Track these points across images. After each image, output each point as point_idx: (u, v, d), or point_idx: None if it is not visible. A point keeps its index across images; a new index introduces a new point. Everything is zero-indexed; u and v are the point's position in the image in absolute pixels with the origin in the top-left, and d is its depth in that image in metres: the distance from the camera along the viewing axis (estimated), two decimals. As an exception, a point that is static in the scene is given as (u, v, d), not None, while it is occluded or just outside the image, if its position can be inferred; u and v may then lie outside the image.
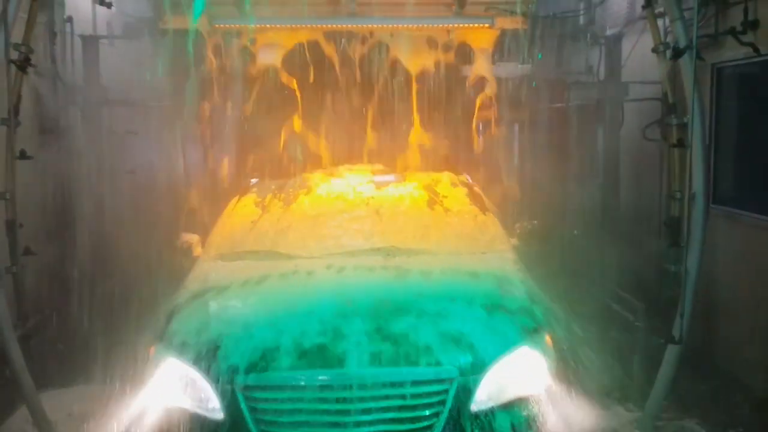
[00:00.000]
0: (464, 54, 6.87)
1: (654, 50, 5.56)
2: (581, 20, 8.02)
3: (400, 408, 3.72)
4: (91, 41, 7.74)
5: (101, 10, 7.54)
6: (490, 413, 3.80)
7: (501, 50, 6.99)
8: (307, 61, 6.77)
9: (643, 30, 6.14)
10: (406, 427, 3.73)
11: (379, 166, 6.11)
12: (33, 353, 5.77)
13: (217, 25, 6.50)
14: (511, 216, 6.42)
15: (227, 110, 7.17)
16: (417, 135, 6.96)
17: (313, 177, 5.87)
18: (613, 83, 7.94)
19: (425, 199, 5.58)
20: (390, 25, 6.44)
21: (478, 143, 7.61)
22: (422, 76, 6.74)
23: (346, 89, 6.82)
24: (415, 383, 3.78)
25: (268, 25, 6.47)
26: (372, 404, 3.71)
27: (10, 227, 5.46)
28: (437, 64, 6.78)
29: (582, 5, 8.06)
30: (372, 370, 3.75)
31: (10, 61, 5.23)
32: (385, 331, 3.92)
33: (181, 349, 3.99)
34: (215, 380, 3.80)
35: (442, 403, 3.75)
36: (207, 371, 3.83)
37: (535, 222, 5.65)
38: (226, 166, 7.22)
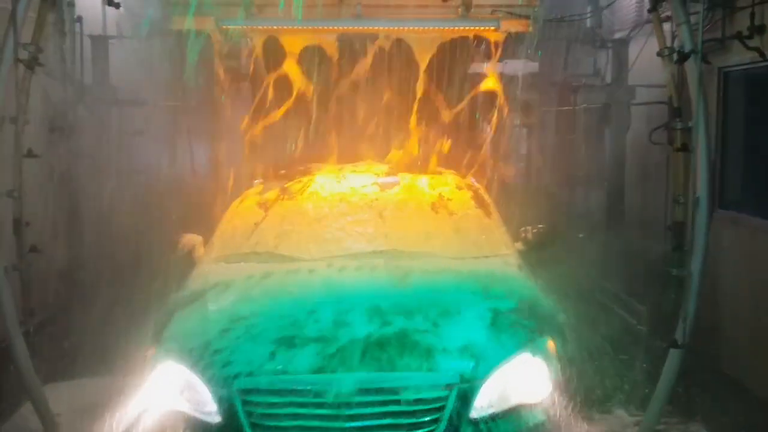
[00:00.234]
0: (471, 54, 6.86)
1: (659, 54, 5.57)
2: (588, 23, 8.01)
3: (399, 414, 3.67)
4: (100, 41, 7.80)
5: (111, 10, 7.58)
6: (491, 420, 3.74)
7: (507, 49, 6.96)
8: (314, 62, 6.78)
9: (651, 33, 6.13)
10: None
11: (383, 168, 6.02)
12: (38, 349, 5.80)
13: (224, 27, 6.52)
14: (516, 219, 6.34)
15: (234, 111, 7.19)
16: (422, 136, 6.96)
17: (316, 178, 5.79)
18: (620, 87, 7.94)
19: (429, 202, 5.52)
20: (394, 28, 6.44)
21: (484, 145, 7.60)
22: (428, 76, 6.75)
23: (352, 91, 6.84)
24: (415, 389, 3.71)
25: (274, 27, 6.49)
26: (370, 410, 3.67)
27: (17, 225, 5.50)
28: (443, 65, 6.79)
29: (589, 8, 8.06)
30: (370, 375, 3.70)
31: (18, 61, 5.28)
32: (385, 335, 3.86)
33: (179, 352, 3.96)
34: (212, 383, 3.76)
35: (442, 409, 3.69)
36: (204, 374, 3.80)
37: (541, 226, 5.55)
38: (231, 167, 7.22)
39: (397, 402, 3.67)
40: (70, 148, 7.19)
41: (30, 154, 5.52)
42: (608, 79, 8.17)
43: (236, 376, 3.74)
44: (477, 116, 7.13)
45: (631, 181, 8.53)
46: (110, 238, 7.69)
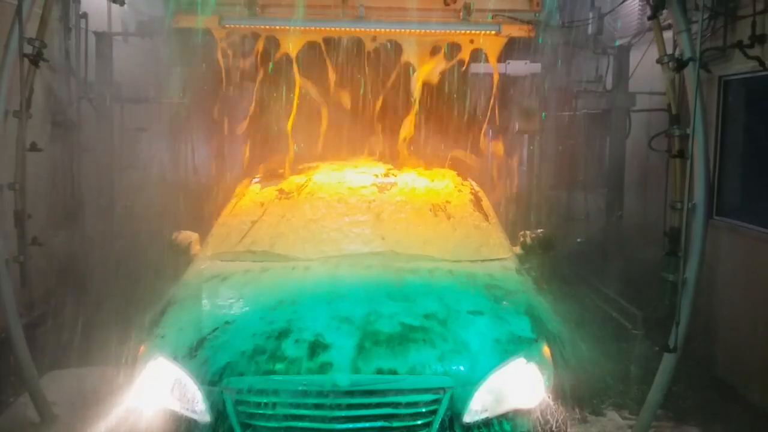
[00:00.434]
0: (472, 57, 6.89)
1: (659, 61, 5.60)
2: (590, 30, 8.04)
3: (391, 417, 3.63)
4: (104, 38, 7.85)
5: (116, 7, 7.64)
6: (484, 425, 3.71)
7: (509, 52, 6.99)
8: (314, 62, 6.82)
9: (652, 41, 6.16)
10: None
11: (382, 167, 5.95)
12: (38, 341, 5.85)
13: (227, 25, 6.56)
14: (515, 222, 6.36)
15: (235, 109, 7.23)
16: (422, 136, 6.99)
17: (314, 177, 5.75)
18: (621, 93, 7.98)
19: (428, 204, 5.46)
20: (395, 30, 6.47)
21: (485, 148, 7.63)
22: (427, 78, 6.78)
23: (352, 91, 6.86)
24: (407, 392, 3.68)
25: (276, 27, 6.52)
26: (361, 412, 3.64)
27: (19, 218, 5.54)
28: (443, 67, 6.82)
29: (591, 15, 8.10)
30: (362, 377, 3.65)
31: (23, 56, 5.33)
32: (379, 337, 3.82)
33: (170, 349, 3.91)
34: (203, 382, 3.72)
35: (434, 413, 3.66)
36: (195, 373, 3.75)
37: (540, 231, 5.50)
38: (232, 164, 7.27)
39: (389, 405, 3.64)
40: (73, 143, 7.23)
41: (33, 147, 5.57)
42: (609, 85, 8.20)
43: (227, 376, 3.70)
44: (477, 117, 7.13)
45: (630, 187, 8.56)
46: (111, 232, 7.73)
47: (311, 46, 6.68)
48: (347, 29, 6.54)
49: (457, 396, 3.69)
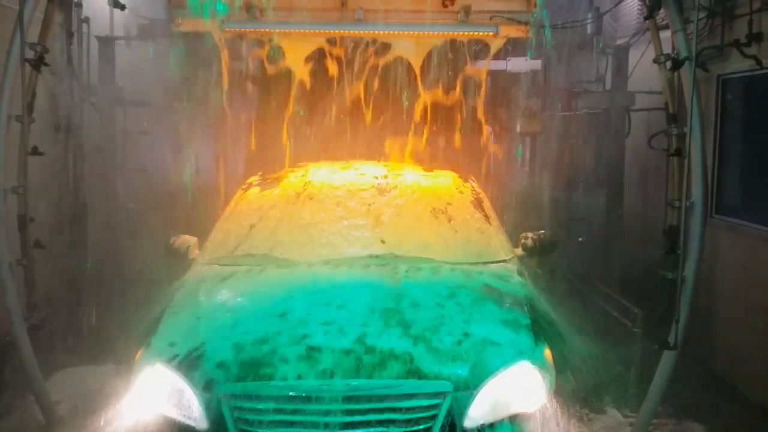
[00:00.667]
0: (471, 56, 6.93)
1: (655, 61, 5.64)
2: (588, 30, 8.07)
3: (390, 422, 3.60)
4: (106, 42, 7.90)
5: (118, 11, 7.68)
6: (485, 430, 3.68)
7: (508, 52, 7.02)
8: (315, 65, 6.85)
9: (651, 40, 6.18)
10: None
11: (382, 169, 5.87)
12: (42, 343, 5.90)
13: (227, 29, 6.61)
14: (516, 223, 6.35)
15: (237, 112, 7.26)
16: (423, 137, 7.02)
17: (314, 180, 5.68)
18: (620, 92, 8.00)
19: (429, 206, 5.38)
20: (394, 32, 6.51)
21: (486, 148, 7.66)
22: (427, 78, 6.81)
23: (352, 93, 6.89)
24: (407, 396, 3.62)
25: (277, 30, 6.57)
26: (360, 417, 3.60)
27: (22, 221, 5.58)
28: (443, 67, 6.85)
29: (590, 15, 8.12)
30: (361, 382, 3.61)
31: (24, 60, 5.37)
32: (378, 341, 3.78)
33: (167, 355, 3.86)
34: (199, 388, 3.69)
35: (434, 418, 3.61)
36: (192, 379, 3.71)
37: (542, 232, 5.44)
38: (234, 168, 7.31)
39: (388, 410, 3.61)
40: (76, 147, 7.27)
41: (35, 151, 5.61)
42: (608, 85, 8.23)
43: (224, 382, 3.67)
44: (477, 118, 7.16)
45: (630, 186, 8.58)
46: (114, 235, 7.78)
47: (311, 48, 6.72)
48: (346, 32, 6.57)
49: (457, 401, 3.65)
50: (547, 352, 3.97)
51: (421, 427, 3.60)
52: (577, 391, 4.28)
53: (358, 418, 3.59)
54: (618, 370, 6.30)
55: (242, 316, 4.12)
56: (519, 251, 5.36)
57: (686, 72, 5.28)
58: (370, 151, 6.72)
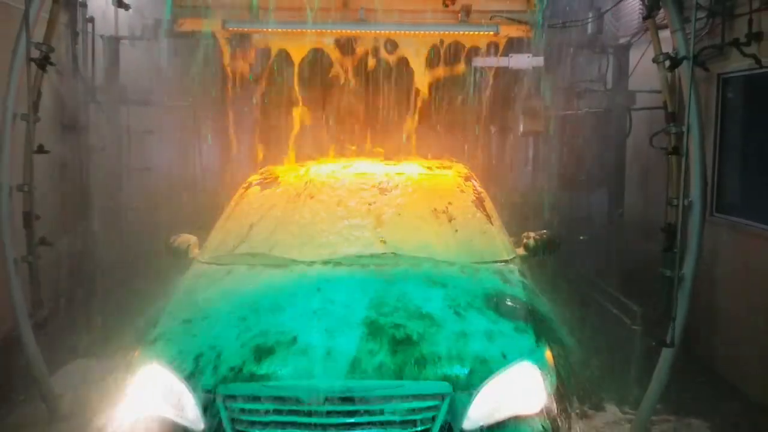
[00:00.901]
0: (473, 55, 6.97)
1: (654, 60, 5.67)
2: (589, 29, 8.11)
3: (389, 424, 3.56)
4: (111, 41, 7.97)
5: (122, 11, 7.75)
6: None
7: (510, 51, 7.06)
8: (317, 63, 6.91)
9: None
10: None
11: (383, 169, 5.81)
12: (47, 339, 5.96)
13: (230, 29, 6.66)
14: (517, 222, 6.35)
15: (240, 111, 7.32)
16: (425, 134, 7.07)
17: (315, 178, 5.63)
18: (621, 92, 8.04)
19: (430, 206, 5.32)
20: (395, 32, 6.56)
21: (487, 148, 7.72)
22: (429, 76, 6.86)
23: (354, 90, 6.94)
24: (405, 398, 3.58)
25: (279, 29, 6.62)
26: (358, 419, 3.55)
27: (28, 218, 5.64)
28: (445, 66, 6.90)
29: (590, 14, 8.16)
30: (359, 383, 3.57)
31: (30, 60, 5.43)
32: (376, 342, 3.74)
33: (164, 355, 3.83)
34: (197, 389, 3.65)
35: (433, 420, 3.57)
36: (188, 379, 3.68)
37: (544, 232, 5.39)
38: (237, 166, 7.36)
39: (387, 412, 3.57)
40: (81, 145, 7.34)
41: (40, 150, 5.66)
42: (609, 84, 8.26)
43: (221, 382, 3.63)
44: (478, 117, 7.21)
45: (632, 185, 8.62)
46: (118, 232, 7.85)
47: (313, 47, 6.77)
48: (348, 31, 6.62)
49: (457, 402, 3.61)
50: (548, 353, 3.93)
51: (420, 428, 3.56)
52: (577, 389, 4.27)
53: (356, 419, 3.55)
54: (617, 367, 6.33)
55: (240, 316, 4.06)
56: (521, 251, 5.30)
57: (685, 71, 5.32)
58: (371, 149, 6.76)
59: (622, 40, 8.40)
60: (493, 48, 6.72)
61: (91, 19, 7.71)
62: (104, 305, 7.23)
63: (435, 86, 7.01)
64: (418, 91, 6.91)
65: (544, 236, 5.32)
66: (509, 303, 4.29)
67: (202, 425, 3.62)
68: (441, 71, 6.96)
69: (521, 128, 7.72)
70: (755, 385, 6.26)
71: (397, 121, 7.06)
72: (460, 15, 6.44)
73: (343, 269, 4.62)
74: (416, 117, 6.97)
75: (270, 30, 6.65)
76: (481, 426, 3.63)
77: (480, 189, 5.75)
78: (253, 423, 3.58)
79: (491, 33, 6.48)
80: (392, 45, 6.73)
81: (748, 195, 6.93)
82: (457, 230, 5.16)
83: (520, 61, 7.08)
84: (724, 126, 7.05)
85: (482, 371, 3.69)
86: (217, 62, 6.95)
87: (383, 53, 6.77)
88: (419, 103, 6.89)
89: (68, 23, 7.25)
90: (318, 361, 3.64)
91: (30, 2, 5.31)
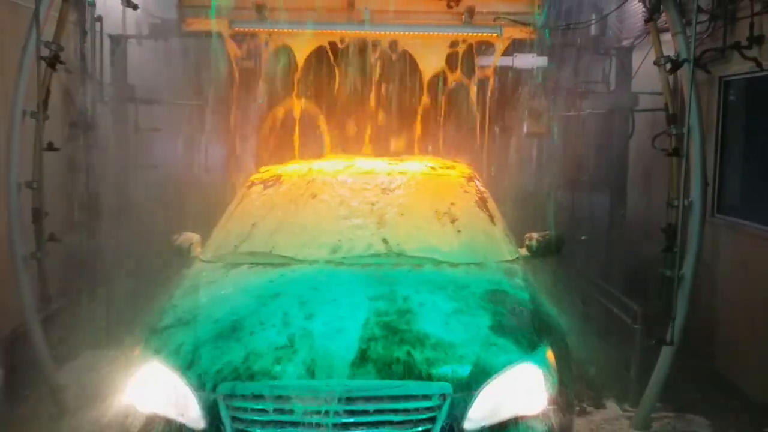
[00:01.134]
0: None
1: (656, 62, 5.74)
2: (593, 31, 8.16)
3: (389, 424, 3.52)
4: (119, 40, 8.05)
5: (130, 11, 7.83)
6: None
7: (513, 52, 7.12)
8: (322, 63, 6.97)
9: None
10: None
11: (386, 168, 5.75)
12: (55, 335, 6.03)
13: (236, 28, 6.73)
14: (519, 222, 6.37)
15: (246, 110, 7.39)
16: (427, 134, 7.12)
17: (317, 178, 5.57)
18: (623, 93, 8.09)
19: (432, 206, 5.25)
20: (400, 33, 6.62)
21: (490, 149, 7.76)
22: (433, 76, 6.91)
23: (359, 91, 6.99)
24: (405, 398, 3.54)
25: (285, 30, 6.69)
26: (358, 419, 3.52)
27: (37, 215, 5.71)
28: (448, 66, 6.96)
29: (594, 16, 8.22)
30: (359, 383, 3.53)
31: (40, 58, 5.50)
32: (377, 342, 3.70)
33: (165, 353, 3.81)
34: (197, 387, 3.62)
35: (433, 420, 3.53)
36: (189, 378, 3.66)
37: (547, 233, 5.33)
38: (242, 165, 7.42)
39: (387, 412, 3.54)
40: (89, 143, 7.42)
41: (50, 147, 5.73)
42: (612, 86, 8.32)
43: (222, 381, 3.59)
44: (481, 118, 7.26)
45: (635, 186, 8.67)
46: (126, 229, 7.92)
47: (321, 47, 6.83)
48: (353, 32, 6.68)
49: (457, 402, 3.56)
50: (550, 354, 3.90)
51: (420, 429, 3.53)
52: (577, 387, 4.28)
53: (356, 419, 3.52)
54: (618, 366, 6.39)
55: (241, 316, 4.03)
56: (524, 251, 5.24)
57: (686, 73, 5.39)
58: (374, 149, 6.82)
59: (625, 42, 8.45)
60: (497, 49, 6.77)
61: (100, 18, 7.78)
62: (111, 301, 7.31)
63: (438, 87, 7.05)
64: (421, 92, 6.96)
65: (547, 237, 5.27)
66: (511, 303, 4.25)
67: (202, 424, 3.60)
68: (444, 72, 7.01)
69: (525, 129, 7.75)
70: (755, 384, 6.31)
71: (399, 121, 7.11)
72: (463, 16, 6.48)
73: (344, 269, 4.59)
74: (418, 117, 7.02)
75: (276, 30, 6.70)
76: (482, 426, 3.60)
77: (483, 189, 5.72)
78: (253, 422, 3.55)
79: (495, 34, 6.52)
80: (396, 45, 6.79)
81: (749, 196, 6.97)
82: (459, 231, 5.10)
83: (525, 61, 7.13)
84: (726, 128, 7.09)
85: (483, 372, 3.66)
86: (223, 61, 7.01)
87: (388, 53, 6.82)
88: (422, 104, 6.93)
89: (77, 22, 7.31)
90: (319, 361, 3.62)
91: (40, 1, 5.37)
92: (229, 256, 4.97)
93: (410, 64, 6.86)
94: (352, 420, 3.52)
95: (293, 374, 3.58)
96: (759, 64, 6.03)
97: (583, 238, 8.12)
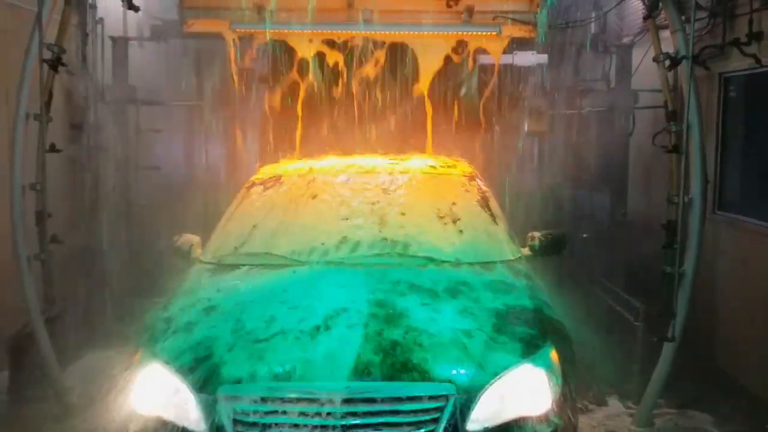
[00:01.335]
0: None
1: (655, 59, 5.75)
2: (593, 29, 8.18)
3: (392, 425, 3.49)
4: (120, 42, 8.08)
5: (131, 13, 7.85)
6: None
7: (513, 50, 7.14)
8: (322, 63, 6.99)
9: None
10: None
11: (386, 167, 5.72)
12: (60, 335, 6.06)
13: (236, 29, 6.75)
14: (521, 220, 6.38)
15: (247, 111, 7.41)
16: (430, 133, 7.14)
17: (317, 179, 5.54)
18: (623, 91, 8.11)
19: (434, 205, 5.21)
20: (400, 32, 6.64)
21: (491, 147, 7.79)
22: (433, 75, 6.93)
23: (359, 90, 7.01)
24: (408, 399, 3.52)
25: (285, 30, 6.71)
26: (360, 420, 3.48)
27: (40, 217, 5.73)
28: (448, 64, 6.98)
29: (593, 15, 8.23)
30: (361, 384, 3.51)
31: (43, 61, 5.52)
32: (379, 343, 3.68)
33: (166, 355, 3.79)
34: (198, 390, 3.60)
35: (437, 421, 3.50)
36: (190, 380, 3.64)
37: (549, 232, 5.30)
38: (243, 165, 7.45)
39: (389, 413, 3.51)
40: (91, 144, 7.44)
41: (53, 149, 5.74)
42: (613, 83, 8.34)
43: (222, 383, 3.58)
44: (482, 115, 7.28)
45: (636, 184, 8.69)
46: (127, 230, 7.95)
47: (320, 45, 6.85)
48: (353, 32, 6.69)
49: (461, 403, 3.53)
50: (553, 354, 3.87)
51: (423, 430, 3.49)
52: (580, 384, 4.27)
53: (358, 420, 3.49)
54: (620, 363, 6.41)
55: (242, 317, 4.01)
56: (526, 251, 5.22)
57: (685, 70, 5.41)
58: (374, 148, 6.83)
59: (625, 40, 8.47)
60: (497, 47, 6.79)
61: (101, 20, 7.81)
62: (114, 302, 7.34)
63: (438, 85, 7.07)
64: (420, 91, 6.98)
65: (550, 236, 5.25)
66: (514, 303, 4.21)
67: (203, 426, 3.57)
68: (444, 70, 7.02)
69: (526, 127, 7.76)
70: (756, 380, 6.33)
71: (399, 119, 7.13)
72: (463, 15, 6.50)
73: (345, 269, 4.57)
74: (419, 116, 7.04)
75: (277, 31, 6.73)
76: (486, 427, 3.57)
77: (485, 188, 5.69)
78: (254, 424, 3.52)
79: (494, 33, 6.53)
80: (396, 45, 6.81)
81: (750, 193, 6.99)
82: (461, 230, 5.06)
83: (525, 58, 7.15)
84: (726, 125, 7.11)
85: (487, 372, 3.63)
86: (224, 62, 7.03)
87: (387, 52, 6.84)
88: (422, 103, 6.95)
89: (78, 24, 7.34)
90: (321, 362, 3.60)
91: (43, 4, 5.40)
92: (229, 257, 4.94)
93: (410, 62, 6.88)
94: (354, 422, 3.48)
95: (294, 376, 3.56)
96: (758, 61, 6.05)
97: (584, 236, 8.14)
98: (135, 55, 8.27)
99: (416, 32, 6.64)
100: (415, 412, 3.52)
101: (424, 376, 3.56)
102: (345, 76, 6.97)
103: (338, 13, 6.60)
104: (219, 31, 6.77)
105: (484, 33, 6.61)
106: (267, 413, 3.53)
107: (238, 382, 3.57)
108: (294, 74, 7.07)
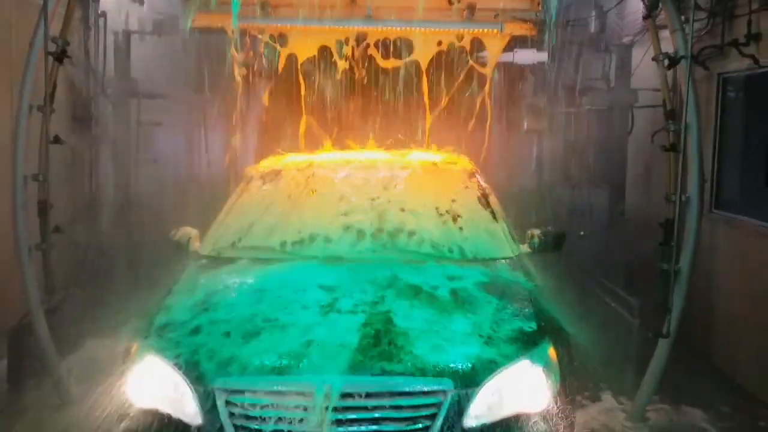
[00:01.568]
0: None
1: (654, 59, 5.80)
2: (593, 28, 8.21)
3: (388, 420, 3.50)
4: (122, 36, 8.11)
5: (133, 7, 7.89)
6: (485, 430, 3.57)
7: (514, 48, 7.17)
8: (324, 59, 7.02)
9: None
10: None
11: (386, 163, 5.72)
12: (59, 325, 6.08)
13: (240, 25, 6.78)
14: (520, 217, 6.41)
15: (247, 105, 7.44)
16: (428, 132, 7.17)
17: (317, 173, 5.55)
18: (623, 90, 8.14)
19: (433, 202, 5.23)
20: (402, 29, 6.67)
21: (490, 144, 7.81)
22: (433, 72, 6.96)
23: (361, 86, 7.04)
24: (406, 394, 3.52)
25: (288, 26, 6.74)
26: (357, 415, 3.49)
27: (42, 207, 5.75)
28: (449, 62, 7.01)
29: (594, 13, 8.26)
30: (358, 379, 3.51)
31: (47, 53, 5.56)
32: (376, 338, 3.69)
33: (162, 348, 3.80)
34: (194, 382, 3.60)
35: (433, 417, 3.50)
36: (187, 373, 3.64)
37: (548, 229, 5.32)
38: (242, 158, 7.47)
39: (387, 408, 3.51)
40: (93, 136, 7.46)
41: (56, 140, 5.77)
42: (613, 82, 8.37)
43: (219, 376, 3.58)
44: (481, 113, 7.31)
45: (635, 182, 8.72)
46: (128, 221, 7.98)
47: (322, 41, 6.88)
48: (355, 28, 6.72)
49: (458, 399, 3.54)
50: (551, 350, 3.89)
51: (420, 426, 3.50)
52: (576, 380, 4.31)
53: (355, 415, 3.50)
54: (615, 359, 6.44)
55: (239, 310, 4.02)
56: (525, 248, 5.24)
57: (684, 70, 5.45)
58: (374, 144, 6.86)
59: (625, 39, 8.50)
60: (498, 45, 6.82)
61: (104, 14, 7.84)
62: (114, 292, 7.35)
63: (438, 83, 7.10)
64: (420, 88, 7.02)
65: (549, 233, 5.26)
66: (512, 300, 4.25)
67: (200, 419, 3.58)
68: (445, 68, 7.06)
69: (525, 126, 7.79)
70: (750, 377, 6.38)
71: (399, 116, 7.16)
72: (464, 13, 6.53)
73: (343, 264, 4.58)
74: (419, 113, 7.07)
75: (279, 26, 6.76)
76: (483, 423, 3.57)
77: (484, 185, 5.70)
78: (251, 418, 3.52)
79: (495, 31, 6.57)
80: (398, 41, 6.84)
81: (747, 192, 7.02)
82: (461, 227, 5.08)
83: (525, 57, 7.18)
84: (724, 124, 7.14)
85: (484, 368, 3.64)
86: (226, 57, 7.06)
87: (390, 49, 6.87)
88: (422, 99, 6.99)
89: (81, 18, 7.37)
90: (318, 356, 3.60)
91: (47, -2, 5.44)
92: (227, 250, 4.96)
93: (412, 60, 6.91)
94: (351, 416, 3.49)
95: (291, 370, 3.55)
96: (756, 61, 6.09)
97: (582, 234, 8.17)
98: (137, 48, 8.30)
99: (417, 29, 6.66)
100: (412, 407, 3.52)
101: (422, 371, 3.56)
102: (346, 71, 6.99)
103: (341, 9, 6.61)
104: (222, 26, 6.80)
105: (485, 30, 6.64)
106: (263, 406, 3.52)
107: (235, 375, 3.58)
108: (295, 69, 7.09)
